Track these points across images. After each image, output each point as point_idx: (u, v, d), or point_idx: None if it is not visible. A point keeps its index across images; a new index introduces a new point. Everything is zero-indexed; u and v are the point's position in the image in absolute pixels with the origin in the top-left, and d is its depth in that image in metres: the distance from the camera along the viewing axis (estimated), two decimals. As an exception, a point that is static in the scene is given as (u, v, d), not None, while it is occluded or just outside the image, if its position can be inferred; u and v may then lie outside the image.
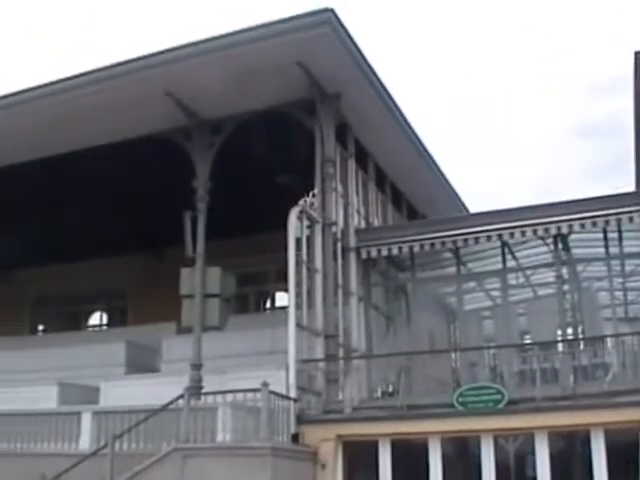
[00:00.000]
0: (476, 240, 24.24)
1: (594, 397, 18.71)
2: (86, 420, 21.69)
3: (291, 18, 21.29)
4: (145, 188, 28.11)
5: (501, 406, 19.03)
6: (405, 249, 25.03)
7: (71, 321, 38.95)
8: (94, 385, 25.57)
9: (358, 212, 25.80)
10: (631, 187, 29.53)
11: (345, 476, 20.15)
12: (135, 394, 23.04)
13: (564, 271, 24.60)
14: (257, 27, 21.54)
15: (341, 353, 22.72)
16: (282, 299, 33.18)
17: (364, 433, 20.32)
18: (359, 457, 20.62)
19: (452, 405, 19.41)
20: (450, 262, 26.75)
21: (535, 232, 23.47)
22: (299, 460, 19.56)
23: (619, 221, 22.80)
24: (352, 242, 24.71)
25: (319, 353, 21.84)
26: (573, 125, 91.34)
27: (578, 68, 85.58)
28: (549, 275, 25.74)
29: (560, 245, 24.03)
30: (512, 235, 23.62)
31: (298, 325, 21.07)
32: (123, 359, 29.00)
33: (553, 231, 23.30)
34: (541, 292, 27.48)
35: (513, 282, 26.36)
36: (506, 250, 25.17)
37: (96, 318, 40.03)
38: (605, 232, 23.71)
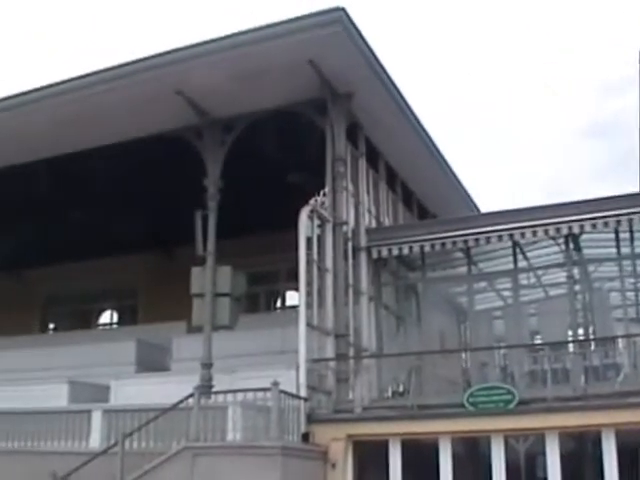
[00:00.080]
0: (487, 240, 24.18)
1: (605, 398, 18.63)
2: (96, 418, 21.72)
3: (302, 17, 21.25)
4: (156, 187, 28.16)
5: (512, 406, 18.97)
6: (416, 249, 24.97)
7: (81, 320, 38.98)
8: (104, 384, 25.61)
9: (369, 211, 25.77)
10: (636, 186, 29.45)
11: (355, 476, 20.12)
12: (145, 393, 23.09)
13: (575, 271, 24.49)
14: (268, 26, 21.51)
15: (351, 352, 22.71)
16: (293, 298, 33.15)
17: (374, 433, 20.30)
18: (369, 457, 20.59)
19: (462, 405, 19.37)
20: (461, 262, 26.68)
21: (546, 232, 23.40)
22: (309, 459, 19.54)
23: (631, 221, 22.71)
24: (363, 241, 24.68)
25: (329, 352, 21.82)
26: (583, 124, 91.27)
27: (589, 67, 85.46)
28: (560, 275, 25.65)
29: (571, 245, 23.95)
30: (523, 235, 23.55)
31: (309, 324, 21.05)
32: (133, 358, 29.00)
33: (564, 231, 23.21)
34: (552, 292, 27.39)
35: (524, 282, 26.30)
36: (517, 250, 25.11)
37: (106, 317, 40.07)
38: (617, 232, 23.62)
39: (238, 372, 22.92)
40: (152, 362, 28.66)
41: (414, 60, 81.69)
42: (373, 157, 26.50)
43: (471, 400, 19.32)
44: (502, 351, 25.94)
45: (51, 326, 40.99)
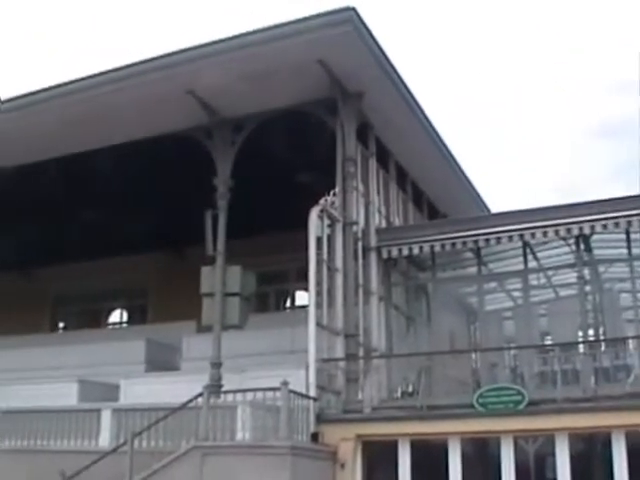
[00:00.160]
0: (497, 240, 24.12)
1: (615, 399, 18.57)
2: (106, 417, 21.76)
3: (312, 17, 21.24)
4: (166, 186, 28.20)
5: (521, 407, 18.94)
6: (426, 249, 24.92)
7: (91, 319, 39.02)
8: (114, 383, 25.61)
9: (379, 211, 25.74)
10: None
11: (364, 476, 20.11)
12: (155, 392, 23.10)
13: (586, 272, 24.47)
14: (278, 26, 21.52)
15: (361, 352, 22.68)
16: (302, 298, 33.09)
17: (384, 433, 20.28)
18: (378, 457, 20.58)
19: (472, 406, 19.33)
20: (471, 262, 26.64)
21: (557, 232, 23.32)
22: (318, 459, 19.52)
23: (642, 222, 22.65)
24: (373, 241, 24.65)
25: (339, 352, 21.80)
26: (594, 124, 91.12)
27: (599, 67, 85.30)
28: (571, 276, 25.60)
29: (582, 246, 23.89)
30: (534, 235, 23.48)
31: (318, 324, 21.03)
32: (143, 357, 29.04)
33: (575, 232, 23.14)
34: (562, 293, 27.33)
35: (534, 283, 26.23)
36: (527, 250, 25.05)
37: (116, 316, 40.08)
38: (628, 233, 23.52)
39: (247, 372, 22.90)
40: (162, 361, 28.71)
41: (424, 59, 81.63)
42: (383, 157, 26.48)
43: (481, 401, 19.28)
44: (512, 352, 25.96)
45: (61, 325, 41.05)
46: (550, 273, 26.62)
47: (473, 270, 26.53)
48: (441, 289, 26.93)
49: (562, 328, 25.13)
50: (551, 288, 27.38)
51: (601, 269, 25.85)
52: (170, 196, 28.87)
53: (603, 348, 22.55)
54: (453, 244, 24.48)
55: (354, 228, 23.31)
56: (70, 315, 40.40)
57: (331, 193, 22.67)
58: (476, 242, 24.35)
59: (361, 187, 24.40)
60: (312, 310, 20.98)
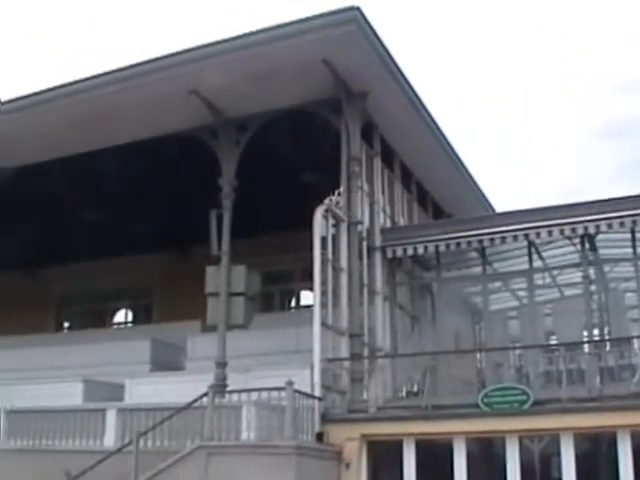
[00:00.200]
0: (502, 240, 24.09)
1: (621, 399, 18.55)
2: (111, 417, 21.80)
3: (316, 16, 21.22)
4: (171, 186, 28.21)
5: (526, 407, 18.92)
6: (431, 248, 24.89)
7: (96, 319, 39.03)
8: (119, 382, 25.67)
9: (384, 211, 25.72)
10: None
11: (369, 476, 20.12)
12: (160, 392, 23.16)
13: (591, 271, 24.38)
14: (282, 25, 21.51)
15: (366, 352, 22.67)
16: (307, 298, 33.14)
17: (389, 433, 20.28)
18: (383, 457, 20.58)
19: (477, 405, 19.33)
20: (476, 262, 26.62)
21: (562, 232, 23.29)
22: (323, 459, 19.53)
23: (647, 221, 22.62)
24: (378, 241, 24.64)
25: (344, 352, 21.79)
26: (600, 124, 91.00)
27: (604, 67, 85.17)
28: (576, 275, 25.54)
29: (587, 245, 23.83)
30: (539, 235, 23.44)
31: (323, 324, 21.02)
32: (148, 357, 29.08)
33: (580, 231, 23.09)
34: (568, 292, 27.27)
35: (539, 282, 26.20)
36: (532, 250, 25.00)
37: (121, 316, 40.13)
38: (633, 232, 23.46)
39: (252, 371, 22.93)
40: (167, 361, 28.75)
41: (429, 59, 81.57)
42: (388, 156, 26.45)
43: (486, 400, 19.28)
44: (517, 351, 25.92)
45: (66, 325, 41.07)
46: (555, 273, 26.58)
47: (478, 270, 26.52)
48: (446, 289, 26.92)
49: (567, 328, 25.10)
50: (556, 288, 27.35)
51: (606, 268, 25.79)
52: (174, 196, 28.89)
53: (608, 348, 22.53)
54: (458, 244, 24.46)
55: (359, 228, 23.30)
56: (75, 315, 40.46)
57: (336, 193, 22.66)
58: (481, 242, 24.33)
59: (366, 187, 24.39)
60: (317, 310, 20.97)
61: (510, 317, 28.69)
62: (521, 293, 28.06)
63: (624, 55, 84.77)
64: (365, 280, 23.44)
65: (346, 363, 21.67)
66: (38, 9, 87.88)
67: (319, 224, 21.49)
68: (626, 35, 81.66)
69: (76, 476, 19.51)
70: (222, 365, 22.55)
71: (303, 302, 34.92)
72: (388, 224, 25.91)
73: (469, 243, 24.44)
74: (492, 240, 24.16)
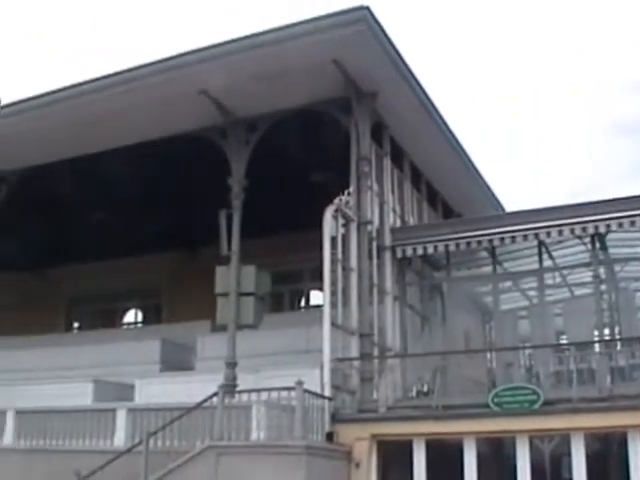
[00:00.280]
0: (512, 239, 24.03)
1: (631, 398, 18.49)
2: (121, 417, 21.84)
3: (326, 16, 21.19)
4: (180, 186, 28.24)
5: (537, 407, 18.88)
6: (440, 248, 24.86)
7: (106, 319, 39.09)
8: (129, 382, 25.70)
9: (393, 211, 25.69)
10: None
11: (379, 475, 20.09)
12: (169, 392, 23.18)
13: (601, 271, 24.37)
14: (292, 25, 21.49)
15: (376, 352, 22.66)
16: (317, 298, 33.15)
17: (399, 433, 20.25)
18: (393, 456, 20.55)
19: (487, 405, 19.28)
20: (486, 261, 26.58)
21: (572, 231, 23.23)
22: (333, 459, 19.51)
23: (658, 220, 22.55)
24: (387, 241, 24.61)
25: (354, 352, 21.77)
26: (612, 123, 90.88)
27: (613, 66, 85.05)
28: (586, 275, 25.52)
29: (597, 244, 23.80)
30: (549, 234, 23.39)
31: (333, 324, 21.00)
32: (158, 357, 29.10)
33: (590, 230, 23.03)
34: (578, 292, 27.24)
35: (550, 282, 26.17)
36: (543, 249, 24.97)
37: (131, 316, 40.19)
38: (644, 231, 23.48)
39: (262, 371, 22.94)
40: (176, 361, 28.76)
41: (436, 59, 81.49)
42: (398, 156, 26.43)
43: (496, 400, 19.24)
44: (527, 351, 25.85)
45: (76, 325, 41.13)
46: (565, 272, 26.55)
47: (488, 269, 26.48)
48: (456, 288, 26.91)
49: (577, 327, 25.03)
50: (566, 287, 27.31)
51: (617, 268, 25.76)
52: (184, 196, 28.91)
53: (619, 347, 22.46)
54: (468, 243, 24.42)
55: (368, 227, 23.27)
56: (85, 315, 40.51)
57: (345, 193, 22.63)
58: (491, 241, 24.30)
59: (375, 186, 24.36)
60: (327, 310, 20.96)
61: (520, 317, 28.62)
62: (531, 293, 28.01)
63: (634, 54, 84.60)
64: (375, 280, 23.42)
65: (356, 363, 21.66)
66: (38, 9, 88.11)
67: (329, 224, 21.48)
68: (636, 34, 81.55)
69: (86, 476, 19.53)
70: (232, 365, 22.54)
71: (313, 302, 34.92)
72: (398, 224, 25.88)
73: (479, 243, 24.40)
74: (502, 240, 24.12)
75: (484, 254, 26.29)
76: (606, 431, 18.80)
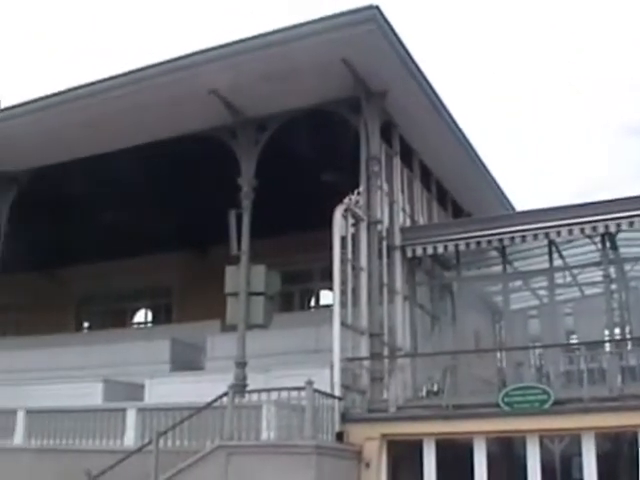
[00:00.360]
0: (523, 239, 23.98)
1: (642, 398, 18.48)
2: (131, 417, 21.86)
3: (335, 15, 21.18)
4: (190, 186, 28.25)
5: (547, 406, 18.85)
6: (450, 247, 24.84)
7: (116, 318, 39.13)
8: (139, 382, 25.71)
9: (403, 210, 25.67)
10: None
11: (389, 475, 20.08)
12: (179, 391, 23.20)
13: (612, 270, 24.30)
14: (301, 25, 21.50)
15: (386, 352, 22.63)
16: (327, 297, 33.11)
17: (409, 432, 20.23)
18: (404, 456, 20.53)
19: (498, 405, 19.26)
20: (496, 261, 26.54)
21: (582, 231, 23.17)
22: (343, 459, 19.49)
23: (669, 220, 22.49)
24: (397, 240, 24.58)
25: (364, 351, 21.76)
26: (620, 123, 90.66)
27: (618, 66, 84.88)
28: (596, 274, 25.44)
29: (608, 244, 23.73)
30: (559, 234, 23.36)
31: (343, 323, 20.99)
32: (168, 356, 29.11)
33: (601, 230, 22.97)
34: (588, 291, 27.18)
35: (560, 281, 26.09)
36: (553, 249, 24.92)
37: (141, 316, 40.22)
38: (654, 231, 23.41)
39: (272, 371, 22.94)
40: (186, 361, 28.78)
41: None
42: (407, 156, 26.42)
43: (506, 400, 19.21)
44: (537, 351, 25.82)
45: (86, 325, 41.19)
46: (576, 271, 26.48)
47: (498, 269, 26.45)
48: (466, 288, 26.86)
49: (588, 327, 25.02)
50: (577, 286, 27.25)
51: (627, 267, 25.67)
52: (194, 196, 28.93)
53: (629, 347, 22.42)
54: (478, 243, 24.38)
55: (378, 227, 23.25)
56: (95, 315, 40.53)
57: (355, 192, 22.61)
58: (501, 241, 24.27)
59: (385, 186, 24.33)
60: (336, 309, 20.94)
61: (530, 316, 28.59)
62: (541, 292, 27.95)
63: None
64: (385, 279, 23.40)
65: (366, 362, 21.65)
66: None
67: (339, 223, 21.47)
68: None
69: (96, 475, 19.56)
70: (242, 365, 22.54)
71: (323, 302, 34.92)
72: (408, 223, 25.85)
73: (489, 242, 24.37)
74: (512, 239, 24.08)
75: (494, 253, 26.25)
76: (617, 431, 18.76)
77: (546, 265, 25.26)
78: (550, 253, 24.90)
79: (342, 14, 21.06)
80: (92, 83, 23.95)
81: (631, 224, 22.54)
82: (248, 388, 21.55)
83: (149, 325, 39.61)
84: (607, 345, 22.43)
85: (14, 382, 27.13)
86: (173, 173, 27.34)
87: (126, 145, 25.48)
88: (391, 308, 23.62)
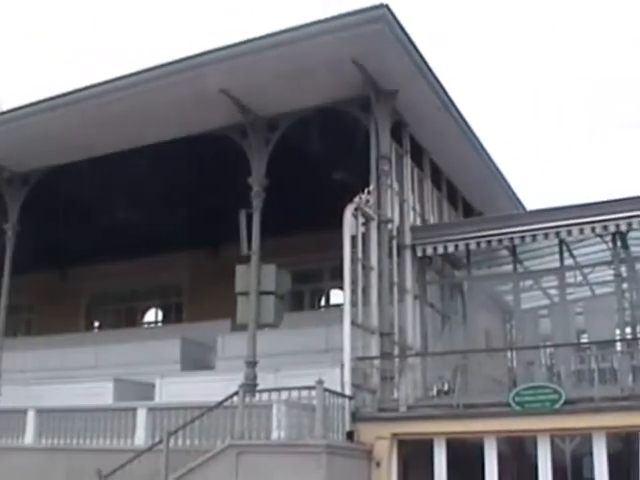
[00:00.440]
0: (533, 238, 23.91)
1: (654, 397, 18.44)
2: (141, 416, 21.87)
3: (345, 15, 21.15)
4: (201, 185, 28.26)
5: (558, 406, 18.80)
6: (461, 247, 24.79)
7: (127, 318, 39.22)
8: (149, 381, 25.73)
9: (413, 209, 25.64)
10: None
11: (400, 474, 20.07)
12: (190, 391, 23.23)
13: (623, 269, 24.21)
14: (311, 24, 21.49)
15: (396, 351, 22.60)
16: (337, 297, 33.14)
17: (419, 432, 20.21)
18: (414, 455, 20.51)
19: (508, 404, 19.22)
20: (506, 260, 26.51)
21: (593, 230, 23.11)
22: (354, 458, 19.49)
23: (680, 219, 22.42)
24: (407, 239, 24.54)
25: (374, 351, 21.72)
26: (633, 120, 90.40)
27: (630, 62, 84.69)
28: (607, 273, 25.41)
29: (619, 243, 23.65)
30: (570, 233, 23.29)
31: (353, 323, 20.96)
32: (178, 356, 29.09)
33: (612, 229, 22.90)
34: (599, 291, 27.15)
35: (571, 280, 26.05)
36: (564, 248, 24.86)
37: (151, 315, 40.23)
38: (665, 230, 23.34)
39: (282, 370, 22.95)
40: (197, 360, 28.78)
41: (458, 57, 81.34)
42: (418, 155, 26.38)
43: (517, 399, 19.17)
44: (548, 350, 25.74)
45: (96, 324, 41.22)
46: (586, 271, 26.41)
47: (509, 268, 26.40)
48: (476, 287, 26.83)
49: (599, 326, 24.99)
50: (587, 286, 27.20)
51: (638, 266, 25.56)
52: (205, 195, 28.96)
53: (641, 346, 22.36)
54: (488, 242, 24.32)
55: (389, 226, 23.23)
56: (105, 314, 40.59)
57: (365, 191, 22.57)
58: (512, 240, 24.21)
59: (395, 185, 24.30)
60: (347, 309, 20.91)
61: (541, 315, 28.57)
62: (552, 291, 27.93)
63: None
64: (395, 279, 23.37)
65: (376, 362, 21.62)
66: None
67: (349, 223, 21.44)
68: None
69: (107, 475, 19.61)
70: (252, 364, 22.53)
71: (333, 301, 34.93)
72: (418, 222, 25.82)
73: (500, 241, 24.32)
74: (523, 238, 24.01)
75: (505, 253, 26.20)
76: (628, 430, 18.71)
77: (557, 264, 25.22)
78: (561, 252, 24.84)
79: (351, 13, 21.05)
80: (102, 83, 23.98)
81: (642, 223, 22.50)
82: (258, 387, 21.56)
83: (160, 324, 39.62)
84: (618, 344, 22.37)
85: (25, 382, 27.21)
86: (184, 172, 27.33)
87: (136, 145, 25.53)
88: (401, 307, 23.58)
